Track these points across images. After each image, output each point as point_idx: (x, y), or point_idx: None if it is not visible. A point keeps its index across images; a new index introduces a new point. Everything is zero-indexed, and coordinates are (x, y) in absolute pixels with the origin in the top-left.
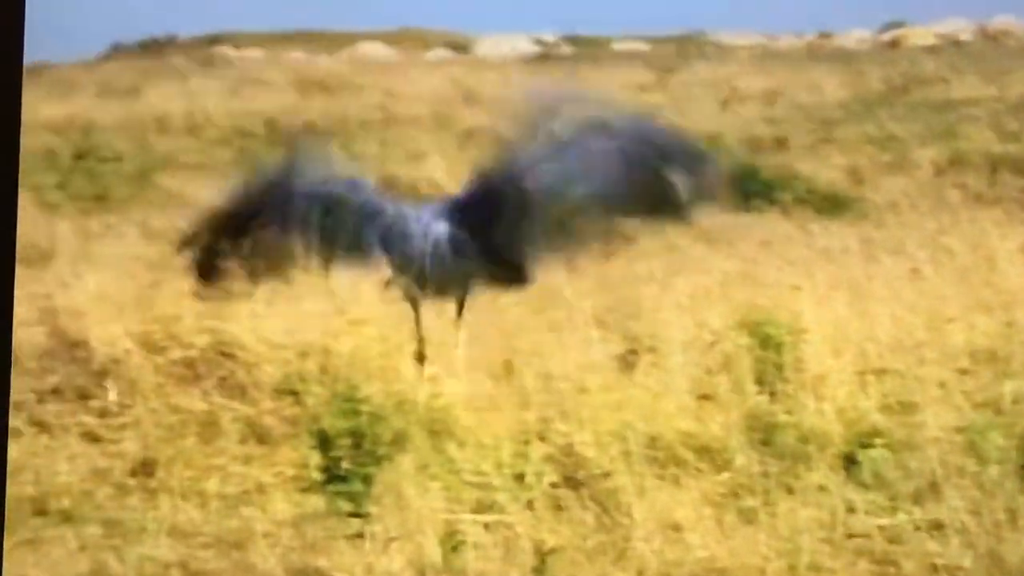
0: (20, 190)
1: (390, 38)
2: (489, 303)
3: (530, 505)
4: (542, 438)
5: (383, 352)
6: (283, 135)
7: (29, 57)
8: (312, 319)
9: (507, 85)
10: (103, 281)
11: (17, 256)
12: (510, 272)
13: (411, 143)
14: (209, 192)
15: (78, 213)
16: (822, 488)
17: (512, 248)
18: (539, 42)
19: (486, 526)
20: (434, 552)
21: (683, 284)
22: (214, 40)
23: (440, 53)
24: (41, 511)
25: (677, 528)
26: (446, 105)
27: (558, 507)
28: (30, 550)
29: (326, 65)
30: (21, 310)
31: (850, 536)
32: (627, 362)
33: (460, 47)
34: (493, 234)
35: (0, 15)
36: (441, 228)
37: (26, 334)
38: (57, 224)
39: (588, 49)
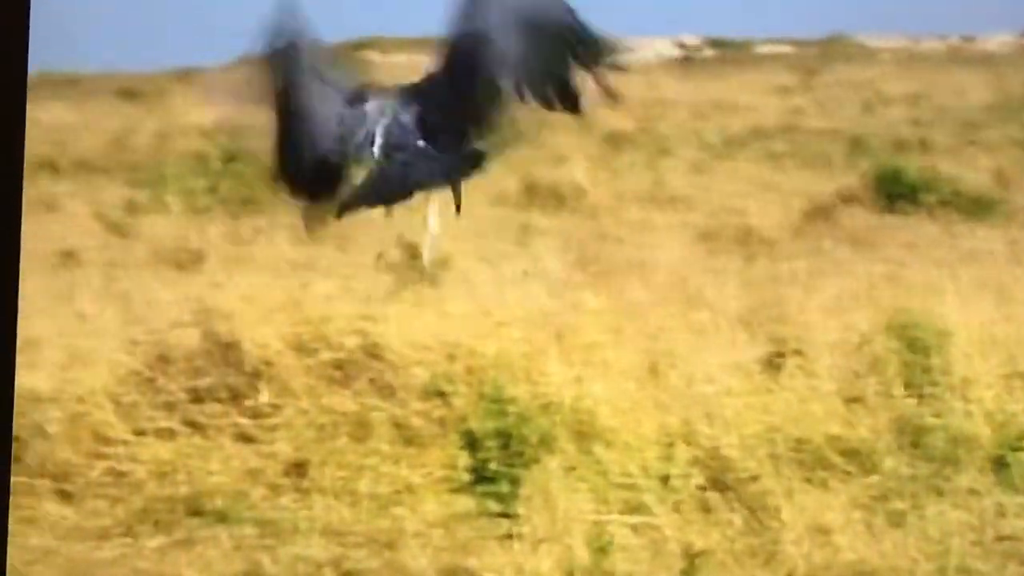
0: (171, 194)
1: None
2: (632, 307)
3: (677, 507)
4: (687, 441)
5: (528, 353)
6: None
7: (178, 61)
8: (458, 321)
9: (651, 89)
10: (254, 283)
11: (169, 259)
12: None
13: (554, 146)
14: None
15: (228, 216)
16: (972, 491)
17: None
18: (682, 45)
19: (634, 528)
20: (582, 554)
21: (828, 286)
22: (359, 45)
23: None
24: (196, 511)
25: (826, 531)
26: (589, 108)
27: (705, 509)
28: (185, 550)
29: None
30: (174, 312)
31: (999, 539)
32: (772, 364)
33: None
34: (463, 116)
35: (5, 19)
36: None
37: (179, 335)
38: (207, 227)
39: (731, 52)
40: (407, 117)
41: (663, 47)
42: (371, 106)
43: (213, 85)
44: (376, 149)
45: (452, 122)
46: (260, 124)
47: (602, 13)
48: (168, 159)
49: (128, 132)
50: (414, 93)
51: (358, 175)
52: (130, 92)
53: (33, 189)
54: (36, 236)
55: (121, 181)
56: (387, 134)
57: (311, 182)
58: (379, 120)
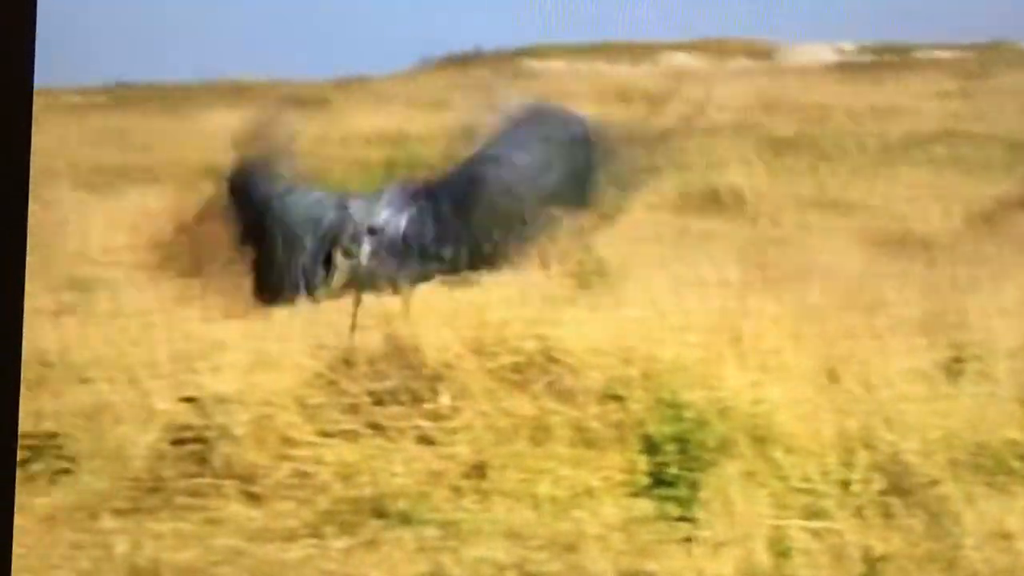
0: None
1: (692, 48)
2: (809, 312)
3: (858, 512)
4: (867, 445)
5: (704, 358)
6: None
7: (343, 71)
8: (634, 325)
9: (810, 94)
10: (433, 288)
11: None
12: (482, 259)
13: (714, 152)
14: None
15: None
16: None
17: (487, 234)
18: (840, 51)
19: (814, 532)
20: (763, 558)
21: (1010, 290)
22: (519, 53)
23: (742, 62)
24: (380, 513)
25: (1007, 537)
26: (748, 114)
27: (886, 515)
28: (370, 551)
29: (629, 75)
30: (357, 317)
31: None
32: (952, 370)
33: (762, 56)
34: (471, 219)
35: (9, 28)
36: (402, 220)
37: (363, 338)
38: None
39: (890, 57)
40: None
41: (822, 53)
42: (356, 208)
43: (382, 93)
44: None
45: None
46: (425, 131)
47: (762, 19)
48: (332, 166)
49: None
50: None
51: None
52: (295, 100)
53: (198, 195)
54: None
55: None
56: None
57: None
58: (365, 221)
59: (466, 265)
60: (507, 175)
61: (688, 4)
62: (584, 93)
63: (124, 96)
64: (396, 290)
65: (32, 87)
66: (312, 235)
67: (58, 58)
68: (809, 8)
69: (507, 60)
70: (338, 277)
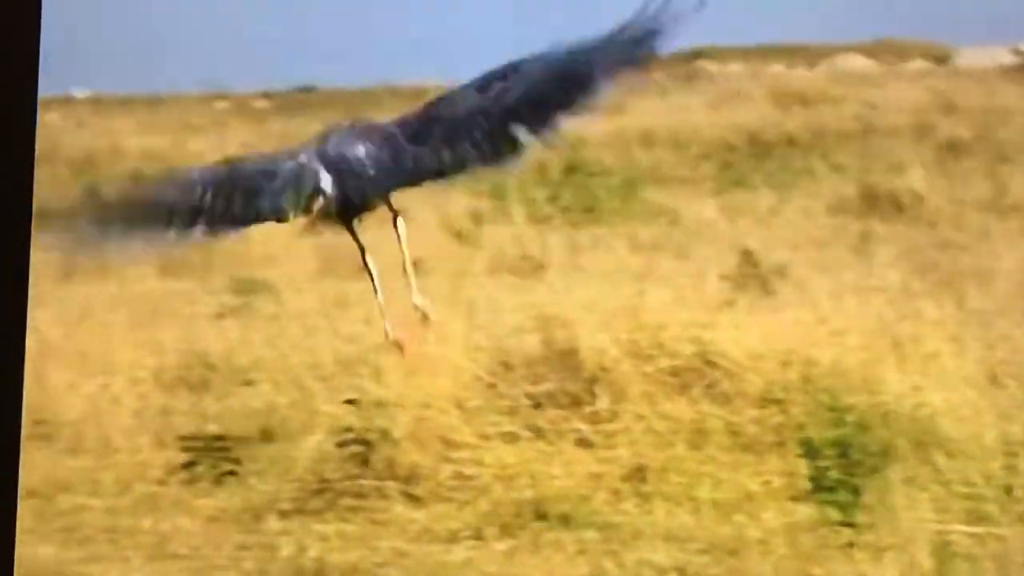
0: (514, 203)
1: (869, 50)
2: (972, 316)
3: (1022, 518)
4: None
5: (865, 362)
6: (763, 148)
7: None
8: (792, 328)
9: (987, 96)
10: (591, 292)
11: (511, 267)
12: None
13: (890, 154)
14: (694, 204)
15: (568, 226)
16: None
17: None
18: (1018, 52)
19: (977, 538)
20: (926, 563)
21: None
22: (695, 55)
23: (919, 64)
24: (540, 515)
25: None
26: (926, 116)
27: None
28: (531, 553)
29: (805, 78)
30: (515, 319)
31: None
32: None
33: (939, 58)
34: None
35: (15, 37)
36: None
37: (521, 341)
38: (548, 237)
39: None
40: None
41: (1000, 55)
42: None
43: None
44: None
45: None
46: (601, 136)
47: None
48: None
49: None
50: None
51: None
52: None
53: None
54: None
55: (465, 191)
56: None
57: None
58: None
59: (434, 170)
60: (462, 106)
61: (864, 7)
62: (760, 95)
63: (306, 101)
64: (386, 202)
65: (36, 90)
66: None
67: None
68: (986, 10)
69: (683, 62)
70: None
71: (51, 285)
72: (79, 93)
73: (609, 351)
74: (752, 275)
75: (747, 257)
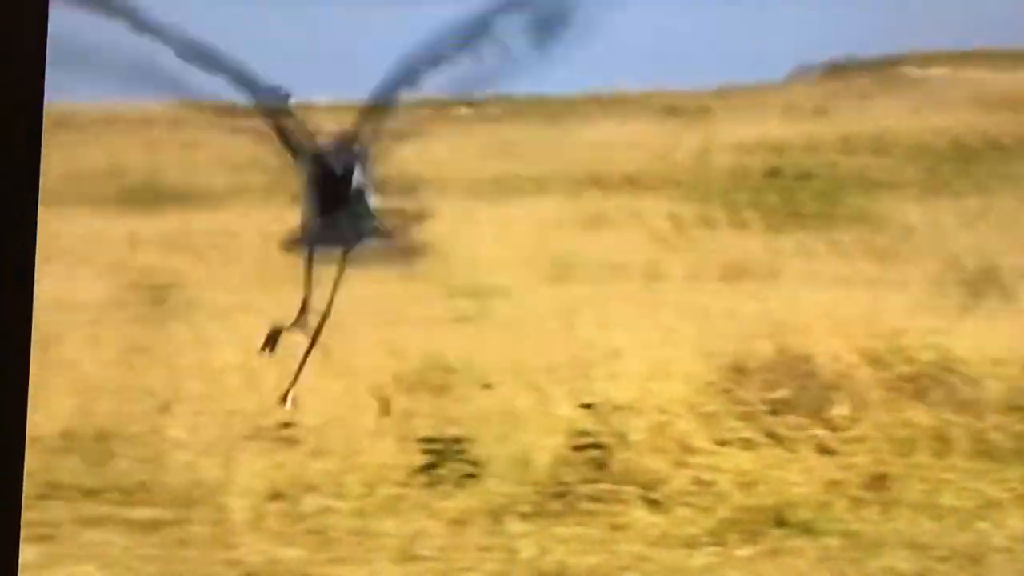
0: (717, 208)
1: None
2: None
3: None
4: None
5: None
6: (967, 153)
7: (722, 80)
8: None
9: None
10: (823, 297)
11: (733, 272)
12: None
13: None
14: (900, 209)
15: (771, 231)
16: None
17: None
18: None
19: None
20: None
21: None
22: (897, 60)
23: None
24: (780, 522)
25: None
26: None
27: None
28: (772, 560)
29: (1009, 83)
30: (747, 325)
31: None
32: None
33: None
34: None
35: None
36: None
37: (753, 347)
38: (772, 242)
39: None
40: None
41: None
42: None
43: (761, 102)
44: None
45: None
46: (807, 140)
47: None
48: (711, 174)
49: (671, 148)
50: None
51: None
52: (673, 109)
53: (585, 205)
54: (608, 249)
55: (666, 196)
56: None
57: None
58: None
59: None
60: None
61: None
62: (963, 100)
63: (510, 108)
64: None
65: (42, 102)
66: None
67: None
68: None
69: (888, 67)
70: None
71: (280, 288)
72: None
73: (845, 358)
74: (987, 279)
75: (978, 262)
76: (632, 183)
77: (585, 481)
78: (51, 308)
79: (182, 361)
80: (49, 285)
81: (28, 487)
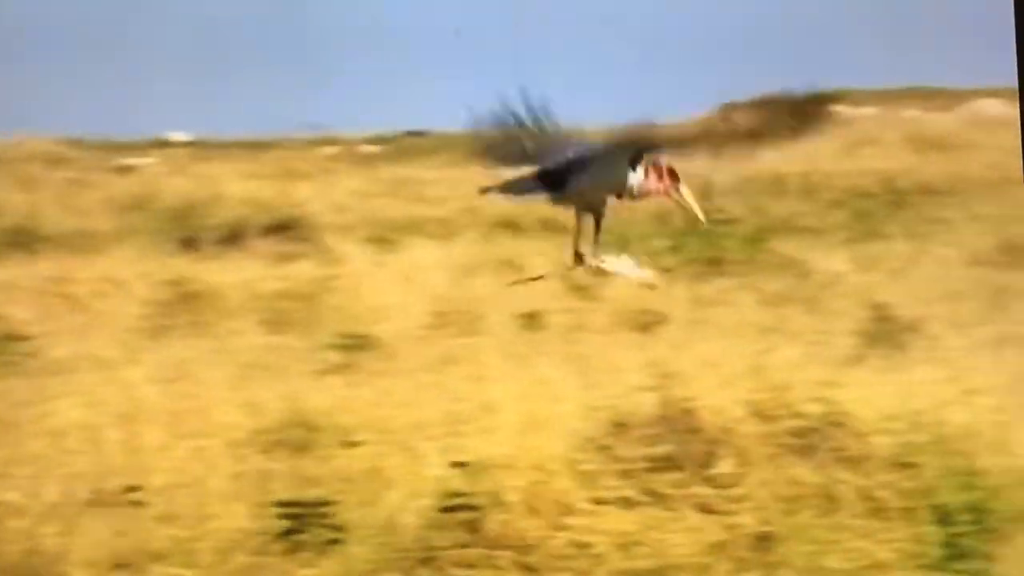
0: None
1: (1008, 94)
2: None
3: None
4: None
5: (1001, 423)
6: (899, 195)
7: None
8: (923, 388)
9: None
10: (714, 348)
11: (630, 321)
12: None
13: None
14: (825, 256)
15: (691, 278)
16: None
17: None
18: None
19: None
20: None
21: None
22: (828, 98)
23: None
24: None
25: None
26: None
27: None
28: None
29: (942, 123)
30: (633, 376)
31: None
32: None
33: None
34: None
35: None
36: None
37: (637, 401)
38: (669, 289)
39: None
40: None
41: None
42: None
43: None
44: None
45: None
46: (721, 182)
47: None
48: (631, 219)
49: None
50: None
51: None
52: None
53: (496, 248)
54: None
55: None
56: None
57: None
58: None
59: None
60: None
61: (999, 49)
62: (895, 141)
63: (411, 146)
64: None
65: None
66: None
67: None
68: None
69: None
70: None
71: (144, 341)
72: (175, 137)
73: (730, 411)
74: (884, 331)
75: (879, 311)
76: (548, 226)
77: (456, 545)
78: None
79: (20, 419)
80: None
81: None
